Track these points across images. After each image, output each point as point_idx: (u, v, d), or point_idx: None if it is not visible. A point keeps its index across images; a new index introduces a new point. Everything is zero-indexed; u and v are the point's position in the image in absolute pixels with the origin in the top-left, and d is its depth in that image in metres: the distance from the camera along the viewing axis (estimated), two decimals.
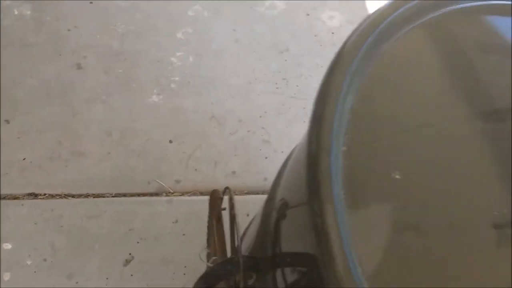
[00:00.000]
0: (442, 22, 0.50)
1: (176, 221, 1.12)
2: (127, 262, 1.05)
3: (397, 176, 0.40)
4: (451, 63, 0.49)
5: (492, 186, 0.41)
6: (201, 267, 0.62)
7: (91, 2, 1.36)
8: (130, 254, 1.06)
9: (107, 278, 1.02)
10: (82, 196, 1.11)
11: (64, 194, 1.10)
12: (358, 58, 0.44)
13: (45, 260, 1.02)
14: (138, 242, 1.08)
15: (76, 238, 1.06)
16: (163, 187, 1.15)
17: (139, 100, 1.24)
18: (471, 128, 0.44)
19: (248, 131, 1.24)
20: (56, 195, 1.10)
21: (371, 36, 0.46)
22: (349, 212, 0.37)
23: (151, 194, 1.14)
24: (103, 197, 1.12)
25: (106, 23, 1.34)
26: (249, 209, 0.93)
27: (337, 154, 0.39)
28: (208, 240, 0.73)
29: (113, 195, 1.12)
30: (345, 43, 0.46)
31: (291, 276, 0.48)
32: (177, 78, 1.29)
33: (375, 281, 0.35)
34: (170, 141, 1.21)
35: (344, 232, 0.35)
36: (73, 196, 1.10)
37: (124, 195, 1.13)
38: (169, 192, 1.15)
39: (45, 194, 1.09)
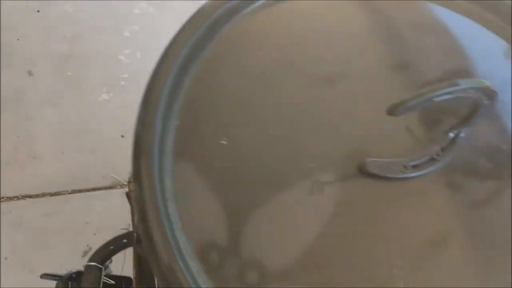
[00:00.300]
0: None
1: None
2: (85, 253, 1.11)
3: (223, 142, 0.45)
4: (292, 40, 0.53)
5: (311, 141, 0.46)
6: None
7: (38, 11, 1.41)
8: (87, 245, 1.12)
9: (66, 270, 1.08)
10: (39, 196, 1.17)
11: (22, 196, 1.16)
12: (197, 38, 0.49)
13: (6, 258, 1.08)
14: (95, 234, 1.14)
15: (35, 235, 1.12)
16: (117, 181, 1.21)
17: (89, 100, 1.30)
18: (298, 94, 0.49)
19: None
20: (14, 197, 1.16)
21: (212, 17, 0.51)
22: (174, 178, 0.42)
23: (106, 188, 1.20)
24: (60, 195, 1.18)
25: (54, 29, 1.39)
26: None
27: (165, 130, 0.44)
28: None
29: (69, 192, 1.18)
30: (185, 22, 0.51)
31: None
32: (126, 75, 1.35)
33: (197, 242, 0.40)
34: (122, 136, 1.26)
35: (160, 198, 0.40)
36: (30, 196, 1.16)
37: (80, 191, 1.19)
38: (124, 185, 1.21)
39: (3, 197, 1.15)
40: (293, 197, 0.44)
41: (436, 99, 0.39)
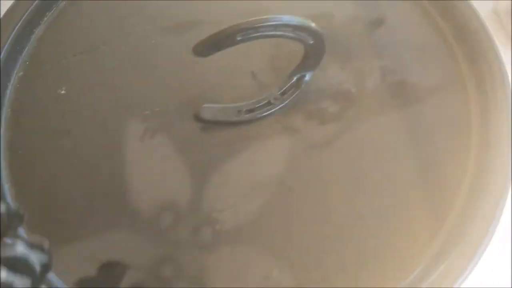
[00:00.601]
0: None
1: None
2: None
3: (62, 92, 0.46)
4: None
5: (150, 89, 0.47)
6: None
7: None
8: None
9: None
10: None
11: None
12: None
13: None
14: None
15: None
16: None
17: None
18: (142, 43, 0.49)
19: None
20: None
21: None
22: (8, 128, 0.44)
23: None
24: None
25: None
26: None
27: (5, 81, 0.46)
28: None
29: None
30: None
31: None
32: None
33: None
34: None
35: None
36: None
37: None
38: None
39: None
40: (128, 145, 0.45)
41: (241, 37, 0.39)
